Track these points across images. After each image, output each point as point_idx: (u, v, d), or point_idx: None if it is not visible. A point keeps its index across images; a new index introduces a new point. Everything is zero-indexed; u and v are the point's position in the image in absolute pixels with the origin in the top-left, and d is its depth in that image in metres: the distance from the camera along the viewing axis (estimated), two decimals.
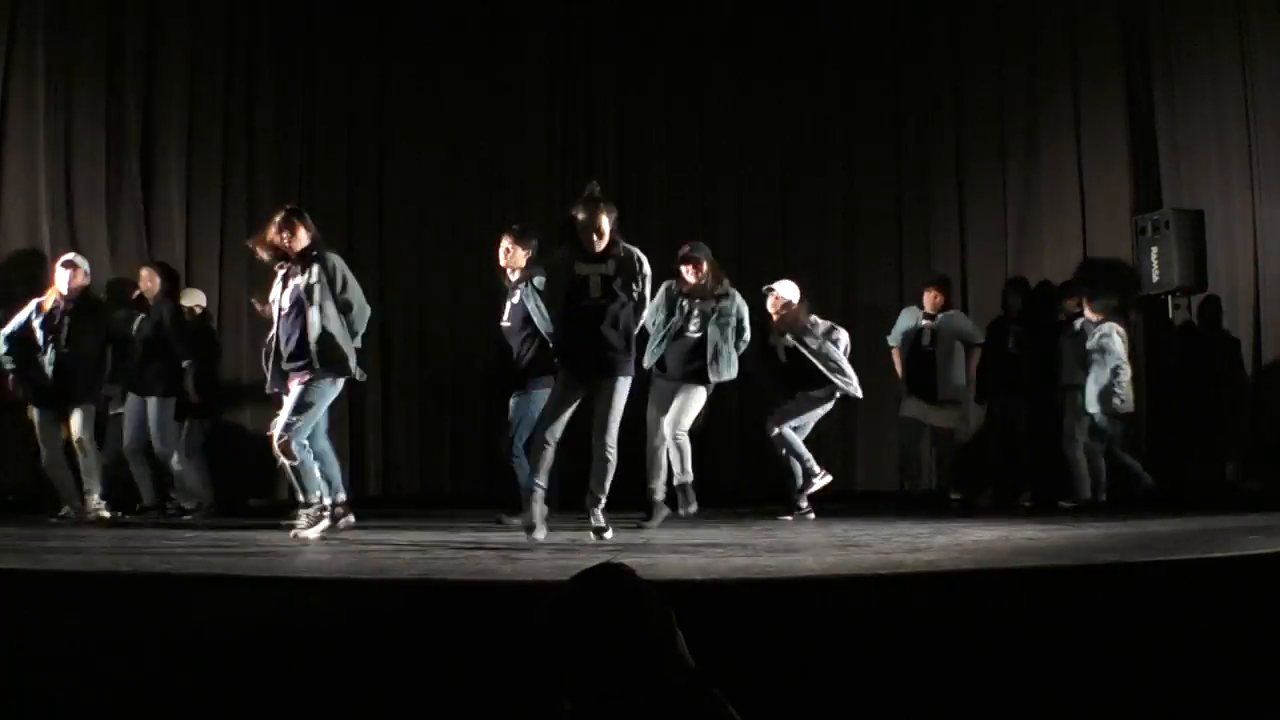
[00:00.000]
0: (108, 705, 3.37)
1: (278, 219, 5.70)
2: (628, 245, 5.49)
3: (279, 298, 5.73)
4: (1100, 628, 3.65)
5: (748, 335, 6.72)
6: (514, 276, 6.60)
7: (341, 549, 5.40)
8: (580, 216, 5.37)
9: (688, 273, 6.61)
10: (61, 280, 6.76)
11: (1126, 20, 8.14)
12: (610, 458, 5.40)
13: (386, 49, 9.14)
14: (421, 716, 3.40)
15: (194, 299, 7.84)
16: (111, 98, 8.15)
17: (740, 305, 6.70)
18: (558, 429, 5.40)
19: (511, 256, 6.57)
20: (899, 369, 7.95)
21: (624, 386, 5.44)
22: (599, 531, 5.41)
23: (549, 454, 5.39)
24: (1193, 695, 3.51)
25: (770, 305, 7.07)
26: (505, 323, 6.59)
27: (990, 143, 9.02)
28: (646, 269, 5.50)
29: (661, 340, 6.57)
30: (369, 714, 3.41)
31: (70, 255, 6.99)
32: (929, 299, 7.91)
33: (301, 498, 5.79)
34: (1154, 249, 7.69)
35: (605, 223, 5.34)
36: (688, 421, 6.63)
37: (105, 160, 8.14)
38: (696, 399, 6.64)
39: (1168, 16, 7.90)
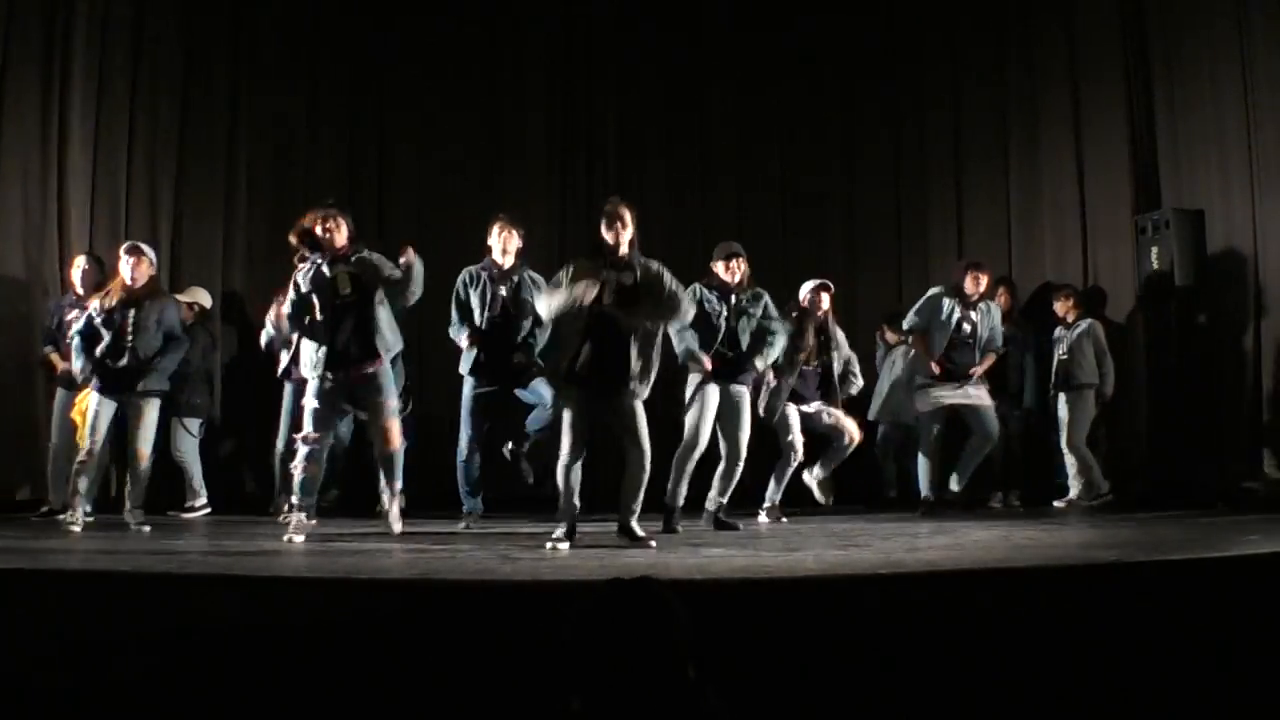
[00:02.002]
0: (108, 705, 3.37)
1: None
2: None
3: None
4: (1100, 628, 3.65)
5: (781, 336, 6.61)
6: (507, 264, 6.60)
7: (342, 550, 5.40)
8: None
9: (736, 266, 6.52)
10: (125, 269, 6.50)
11: (1126, 20, 8.13)
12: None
13: (387, 49, 9.13)
14: (421, 716, 3.40)
15: (195, 297, 7.84)
16: (110, 97, 8.12)
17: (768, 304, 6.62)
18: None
19: (509, 241, 6.59)
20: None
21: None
22: (638, 539, 5.33)
23: None
24: (1192, 695, 3.51)
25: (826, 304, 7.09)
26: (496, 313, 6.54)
27: (989, 143, 9.01)
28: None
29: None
30: (369, 714, 3.41)
31: (134, 243, 6.73)
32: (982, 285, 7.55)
33: (396, 486, 5.87)
34: (1154, 249, 7.69)
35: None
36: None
37: (98, 161, 8.07)
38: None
39: (1167, 16, 7.89)
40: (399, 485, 5.95)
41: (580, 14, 9.44)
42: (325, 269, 5.81)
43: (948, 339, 7.35)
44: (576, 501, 5.37)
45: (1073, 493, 7.66)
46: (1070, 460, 7.65)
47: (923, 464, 7.40)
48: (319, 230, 5.86)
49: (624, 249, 5.40)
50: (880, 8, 9.50)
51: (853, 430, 7.14)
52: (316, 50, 8.99)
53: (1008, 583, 4.07)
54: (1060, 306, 7.91)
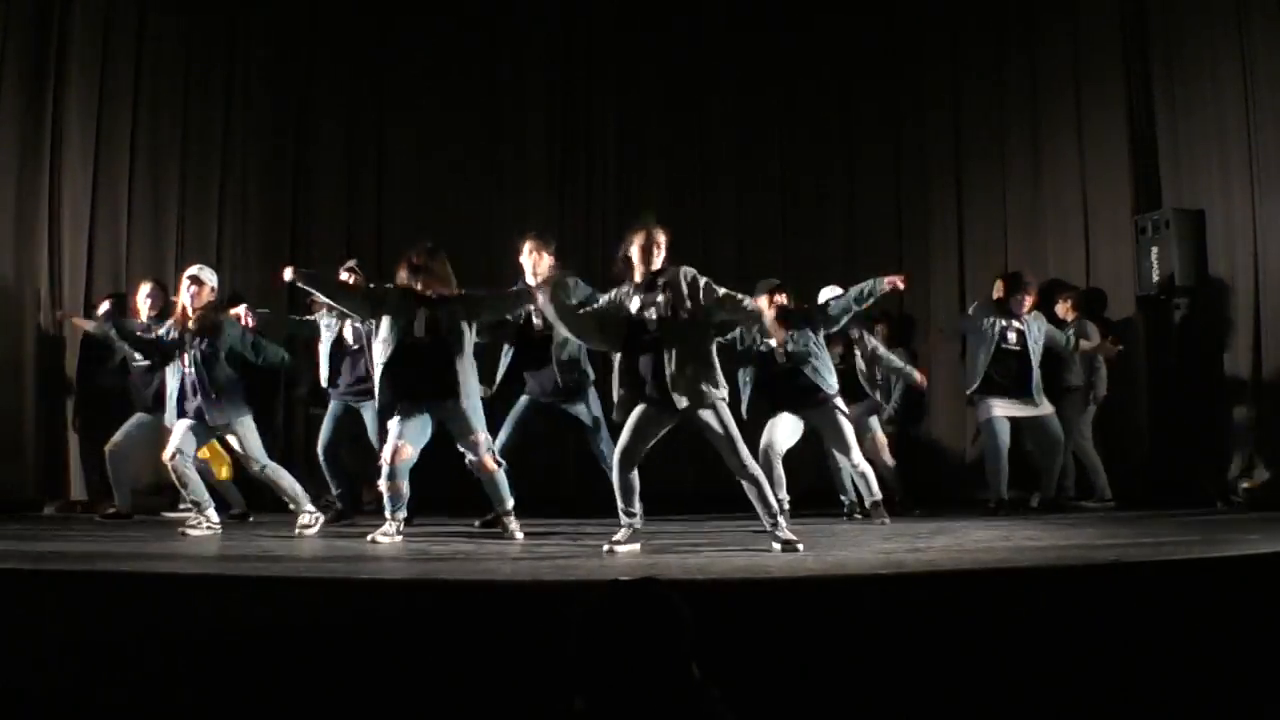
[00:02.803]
0: (108, 705, 3.37)
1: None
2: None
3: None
4: (1100, 628, 3.65)
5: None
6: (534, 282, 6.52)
7: (342, 550, 5.40)
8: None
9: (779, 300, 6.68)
10: (186, 297, 6.37)
11: (1126, 20, 8.13)
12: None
13: (386, 49, 9.13)
14: (421, 716, 3.40)
15: None
16: (111, 100, 8.11)
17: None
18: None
19: (539, 263, 6.42)
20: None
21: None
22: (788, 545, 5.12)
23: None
24: (1192, 695, 3.51)
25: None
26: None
27: (990, 143, 9.00)
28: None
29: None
30: (369, 714, 3.41)
31: (195, 270, 6.52)
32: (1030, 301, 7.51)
33: (504, 507, 5.85)
34: (1154, 249, 7.68)
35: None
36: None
37: (99, 162, 8.07)
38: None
39: (1168, 16, 7.89)
40: (510, 504, 5.85)
41: (580, 14, 9.44)
42: (406, 306, 5.69)
43: (991, 351, 7.35)
44: (638, 502, 5.24)
45: (1055, 491, 7.60)
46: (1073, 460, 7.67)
47: (999, 467, 7.31)
48: (417, 277, 5.71)
49: (655, 268, 5.24)
50: (880, 8, 9.49)
51: (886, 458, 7.34)
52: (315, 50, 8.98)
53: (1008, 583, 4.07)
54: (1060, 308, 7.90)
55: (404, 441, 5.62)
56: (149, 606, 3.73)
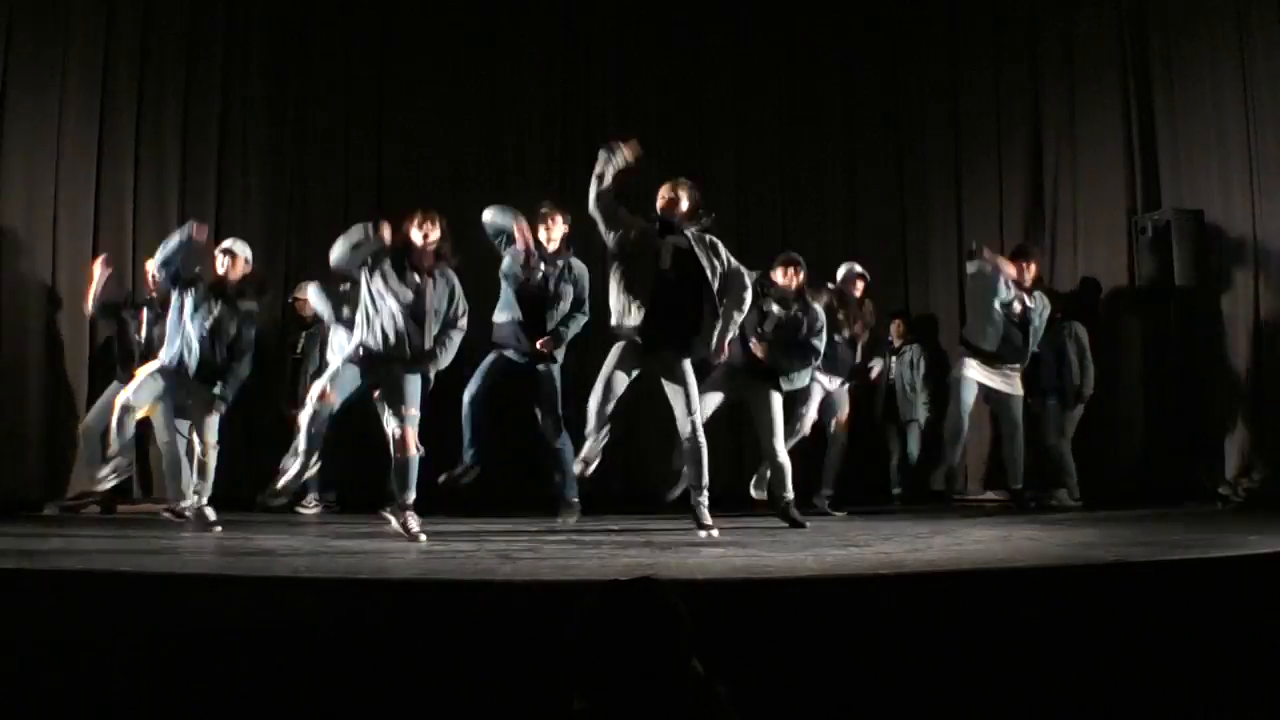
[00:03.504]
0: (108, 705, 3.38)
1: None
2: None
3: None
4: (1100, 628, 3.65)
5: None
6: (552, 249, 6.60)
7: (342, 549, 5.40)
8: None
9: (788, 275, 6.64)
10: (220, 268, 6.53)
11: (1126, 19, 8.14)
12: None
13: (385, 48, 9.12)
14: (421, 716, 3.40)
15: None
16: (105, 93, 8.11)
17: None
18: None
19: (553, 229, 6.62)
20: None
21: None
22: (705, 528, 5.42)
23: None
24: (1192, 695, 3.52)
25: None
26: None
27: (990, 143, 9.01)
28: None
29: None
30: (369, 714, 3.41)
31: (229, 242, 6.69)
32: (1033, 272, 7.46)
33: (407, 497, 5.68)
34: (1154, 249, 7.68)
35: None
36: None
37: (102, 163, 8.09)
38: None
39: (1167, 16, 7.90)
40: (411, 497, 5.67)
41: (581, 13, 9.43)
42: (400, 273, 5.68)
43: (1003, 315, 7.30)
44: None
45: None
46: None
47: (959, 431, 7.37)
48: (416, 233, 5.71)
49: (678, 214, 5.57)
50: (880, 8, 9.50)
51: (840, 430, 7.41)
52: (312, 49, 8.96)
53: (1008, 583, 4.07)
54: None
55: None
56: (149, 606, 3.73)
